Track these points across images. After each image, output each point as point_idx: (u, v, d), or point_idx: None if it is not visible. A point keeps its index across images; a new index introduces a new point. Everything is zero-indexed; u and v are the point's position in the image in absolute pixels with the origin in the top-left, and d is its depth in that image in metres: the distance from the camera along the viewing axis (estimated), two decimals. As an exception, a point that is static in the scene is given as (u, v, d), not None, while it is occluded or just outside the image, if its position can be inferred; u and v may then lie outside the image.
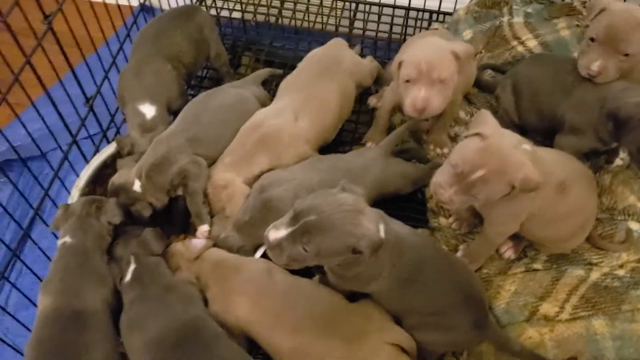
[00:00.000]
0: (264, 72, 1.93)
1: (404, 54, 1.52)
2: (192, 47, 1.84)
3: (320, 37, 2.24)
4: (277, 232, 1.15)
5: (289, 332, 1.33)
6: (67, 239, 1.39)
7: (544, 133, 1.73)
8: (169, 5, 2.20)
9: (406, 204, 1.73)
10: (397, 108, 1.75)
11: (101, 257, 1.40)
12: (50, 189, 1.64)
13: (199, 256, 1.47)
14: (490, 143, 1.24)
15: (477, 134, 1.26)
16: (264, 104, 1.75)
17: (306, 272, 1.47)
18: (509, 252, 1.59)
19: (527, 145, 1.31)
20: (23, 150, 1.74)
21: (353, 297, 1.42)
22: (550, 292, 1.52)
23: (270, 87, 1.95)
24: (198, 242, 1.49)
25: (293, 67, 2.03)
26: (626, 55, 1.47)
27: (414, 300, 1.33)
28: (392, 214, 1.36)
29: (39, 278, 1.49)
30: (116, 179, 1.61)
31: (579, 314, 1.48)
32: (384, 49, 2.24)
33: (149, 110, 1.68)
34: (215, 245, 1.53)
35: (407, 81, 1.49)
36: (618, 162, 1.75)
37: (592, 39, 1.50)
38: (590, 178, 1.52)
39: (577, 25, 2.04)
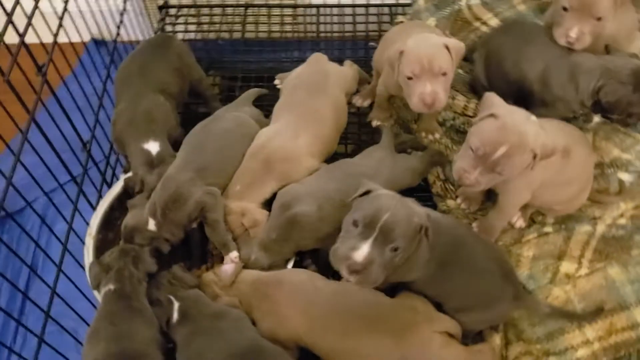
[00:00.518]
0: (252, 92, 1.95)
1: (403, 45, 1.54)
2: (177, 76, 1.85)
3: (287, 46, 2.29)
4: (360, 251, 1.17)
5: (341, 335, 1.37)
6: (111, 286, 1.39)
7: (513, 98, 1.83)
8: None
9: (408, 193, 1.79)
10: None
11: (144, 299, 1.41)
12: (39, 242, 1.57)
13: (234, 280, 1.49)
14: (505, 121, 1.33)
15: (490, 115, 1.34)
16: (260, 123, 1.77)
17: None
18: (519, 221, 1.68)
19: (533, 118, 1.40)
20: None
21: (391, 291, 1.48)
22: (565, 251, 1.62)
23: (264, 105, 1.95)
24: (229, 267, 1.51)
25: (270, 79, 2.08)
26: (599, 19, 1.58)
27: (455, 282, 1.40)
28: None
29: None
30: (129, 221, 1.60)
31: (595, 266, 1.59)
32: (351, 49, 2.30)
33: (153, 147, 1.68)
34: (245, 267, 1.55)
35: (410, 78, 1.54)
36: (596, 119, 1.87)
37: (564, 8, 1.60)
38: (586, 139, 1.63)
39: (532, -1, 2.16)
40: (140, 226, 1.57)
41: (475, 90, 1.94)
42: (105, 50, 2.32)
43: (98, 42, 2.47)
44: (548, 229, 1.68)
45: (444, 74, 1.52)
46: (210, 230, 1.58)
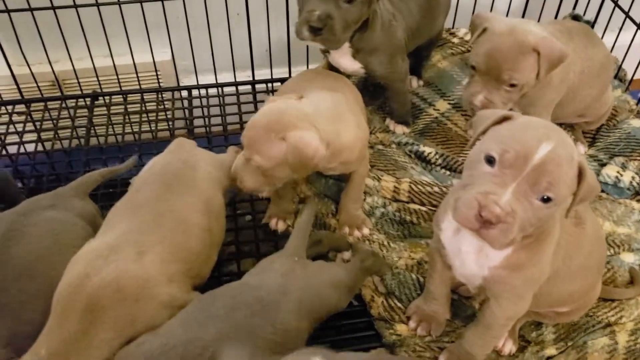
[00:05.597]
0: (94, 177, 1.28)
1: None
2: None
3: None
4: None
5: None
6: None
7: None
8: None
9: (340, 321, 1.21)
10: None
11: None
12: None
13: None
14: (528, 119, 0.85)
15: (503, 119, 0.85)
16: (96, 226, 1.14)
17: None
18: (508, 345, 1.11)
19: None
20: None
21: None
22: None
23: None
24: None
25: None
26: (512, 86, 1.21)
27: None
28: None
29: None
30: None
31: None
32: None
33: None
34: None
35: None
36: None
37: (473, 67, 1.24)
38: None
39: (452, 54, 1.77)
40: None
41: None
42: None
43: None
44: (551, 351, 1.12)
45: None
46: None
